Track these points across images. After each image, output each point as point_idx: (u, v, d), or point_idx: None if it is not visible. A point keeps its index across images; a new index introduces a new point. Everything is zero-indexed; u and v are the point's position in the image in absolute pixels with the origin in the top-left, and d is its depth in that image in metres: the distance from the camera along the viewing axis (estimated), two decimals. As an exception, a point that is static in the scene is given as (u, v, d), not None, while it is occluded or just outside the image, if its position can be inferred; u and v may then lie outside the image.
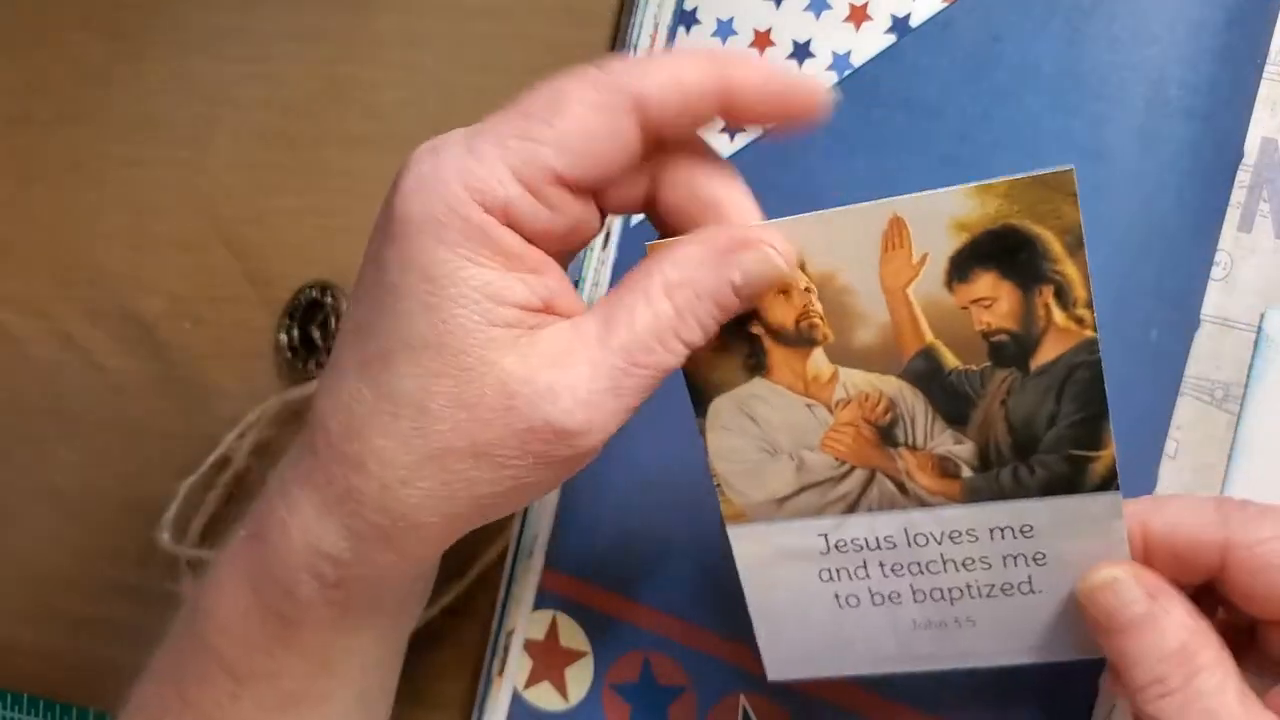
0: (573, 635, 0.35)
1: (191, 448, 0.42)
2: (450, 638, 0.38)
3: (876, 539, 0.24)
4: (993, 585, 0.24)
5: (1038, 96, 0.31)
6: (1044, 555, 0.24)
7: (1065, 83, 0.31)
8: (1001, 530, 0.23)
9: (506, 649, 0.36)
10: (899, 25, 0.33)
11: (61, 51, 0.45)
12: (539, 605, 0.36)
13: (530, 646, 0.36)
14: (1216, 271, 0.31)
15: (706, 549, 0.32)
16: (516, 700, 0.36)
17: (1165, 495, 0.26)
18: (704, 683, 0.33)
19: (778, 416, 0.23)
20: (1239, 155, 0.31)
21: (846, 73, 0.33)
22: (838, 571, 0.25)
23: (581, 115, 0.23)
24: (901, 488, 0.23)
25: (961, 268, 0.21)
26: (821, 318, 0.22)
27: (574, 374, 0.23)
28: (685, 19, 0.35)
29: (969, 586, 0.24)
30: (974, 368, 0.22)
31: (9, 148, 0.45)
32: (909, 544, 0.24)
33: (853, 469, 0.23)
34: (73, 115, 0.45)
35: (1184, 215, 0.31)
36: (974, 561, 0.24)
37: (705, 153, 0.25)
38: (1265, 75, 0.31)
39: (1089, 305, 0.21)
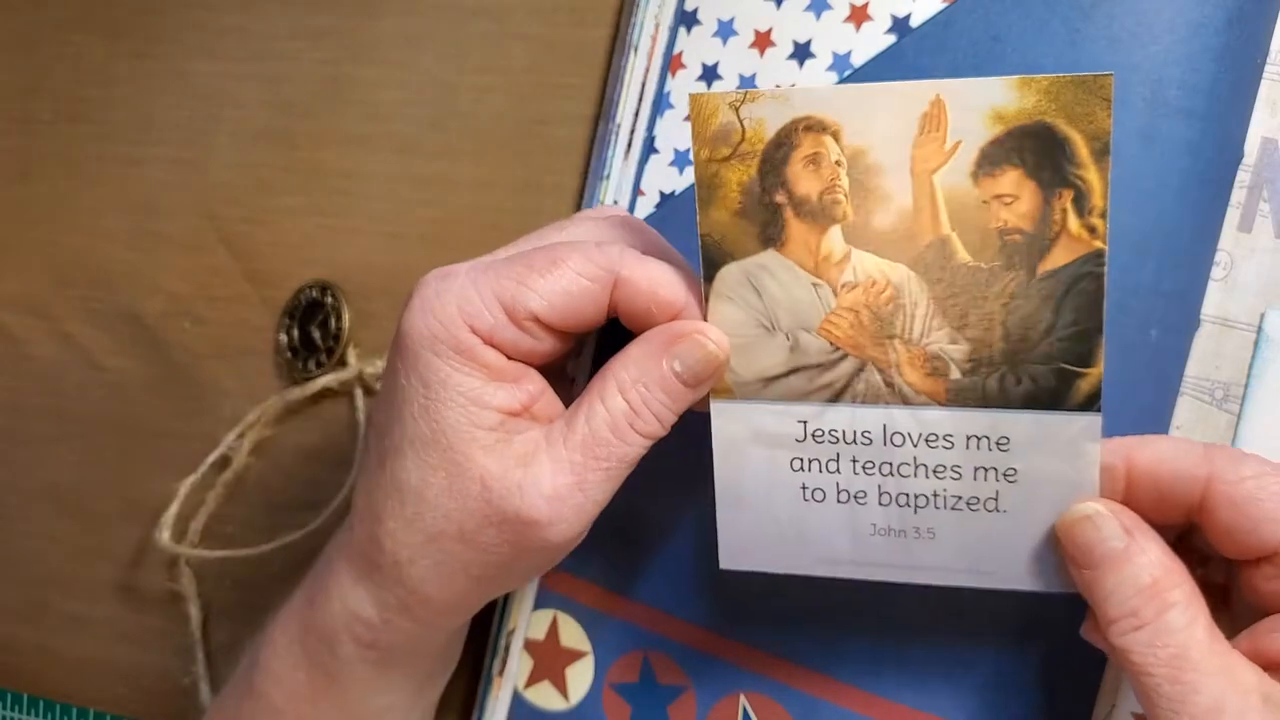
0: (573, 635, 0.35)
1: (191, 447, 0.42)
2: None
3: (854, 433, 0.24)
4: (959, 498, 0.24)
5: None
6: (1015, 472, 0.24)
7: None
8: (978, 439, 0.23)
9: (507, 648, 0.36)
10: (899, 25, 0.33)
11: (61, 51, 0.45)
12: (540, 605, 0.36)
13: (531, 646, 0.36)
14: (1216, 271, 0.31)
15: (708, 549, 0.32)
16: (517, 700, 0.36)
17: (1151, 435, 0.26)
18: (704, 682, 0.34)
19: (782, 292, 0.23)
20: (1239, 155, 0.31)
21: (847, 73, 0.33)
22: (809, 462, 0.25)
23: (570, 280, 0.27)
24: (889, 383, 0.23)
25: (991, 159, 0.21)
26: (845, 194, 0.22)
27: (538, 471, 0.27)
28: (686, 19, 0.35)
29: (935, 495, 0.24)
30: (983, 265, 0.21)
31: (9, 147, 0.45)
32: (885, 442, 0.24)
33: (844, 356, 0.23)
34: (73, 115, 0.45)
35: (1184, 215, 0.30)
36: (945, 469, 0.24)
37: (652, 262, 0.27)
38: (1265, 75, 0.31)
39: (1104, 215, 0.21)
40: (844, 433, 0.24)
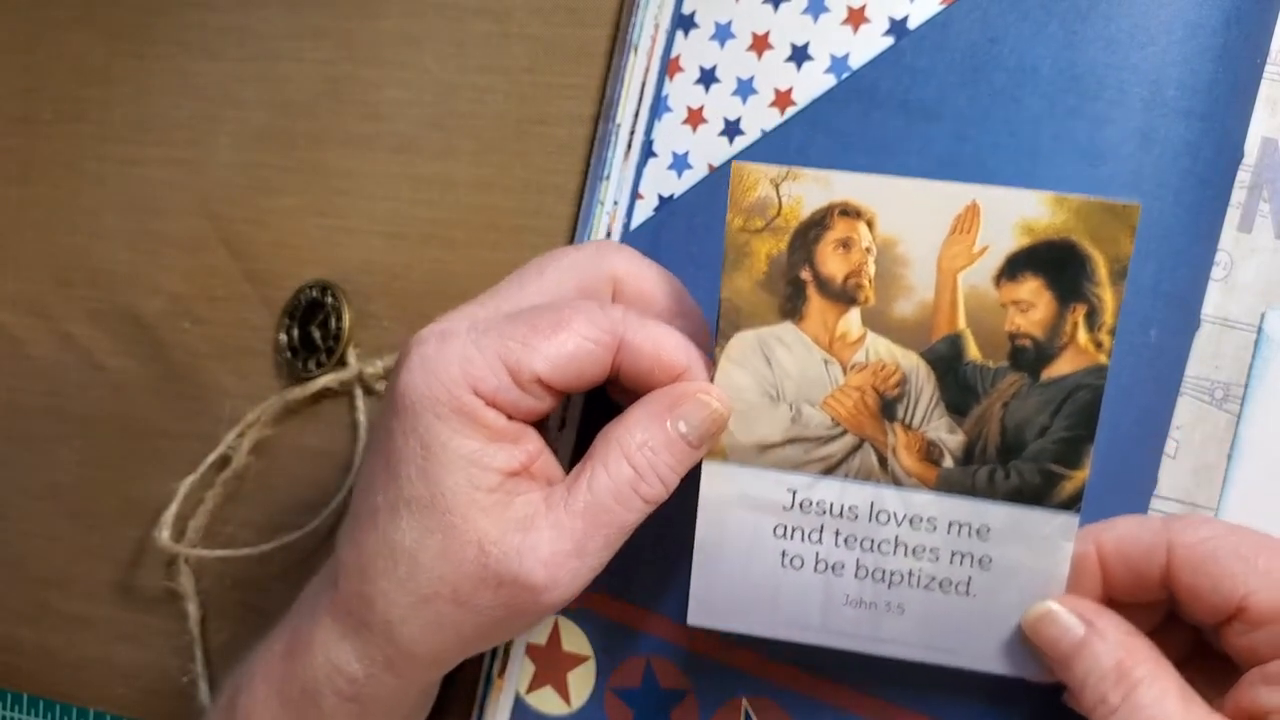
0: (575, 640, 0.35)
1: (191, 447, 0.42)
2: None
3: (841, 506, 0.25)
4: (934, 578, 0.25)
5: (1036, 98, 0.31)
6: (990, 560, 0.24)
7: (1063, 84, 0.31)
8: (960, 526, 0.24)
9: (508, 653, 0.36)
10: (897, 27, 0.33)
11: (61, 51, 0.45)
12: None
13: (532, 651, 0.36)
14: (1217, 272, 0.31)
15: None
16: (519, 704, 0.36)
17: (1116, 518, 0.27)
18: (706, 687, 0.33)
19: (793, 364, 0.23)
20: (1239, 155, 0.31)
21: (845, 75, 0.33)
22: (793, 530, 0.26)
23: (575, 343, 0.27)
24: (883, 462, 0.23)
25: (1015, 267, 0.22)
26: (870, 280, 0.22)
27: (537, 536, 0.26)
28: (684, 22, 0.35)
29: (911, 574, 0.25)
30: (990, 364, 0.22)
31: (9, 147, 0.45)
32: (870, 518, 0.24)
33: (844, 433, 0.24)
34: (73, 115, 0.45)
35: (1183, 215, 0.30)
36: (924, 550, 0.25)
37: (656, 324, 0.28)
38: (1265, 75, 0.31)
39: (1112, 333, 0.22)
40: (831, 505, 0.25)
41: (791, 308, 0.24)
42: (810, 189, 0.22)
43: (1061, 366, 0.22)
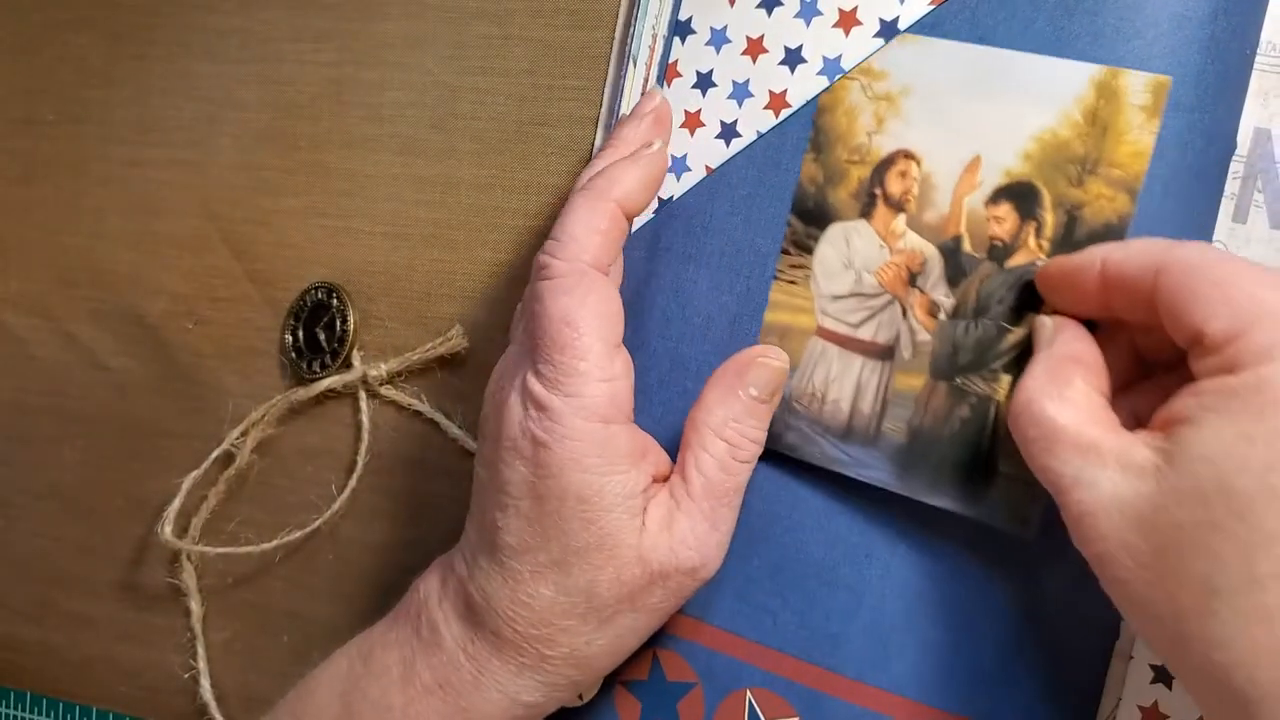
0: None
1: (193, 447, 0.42)
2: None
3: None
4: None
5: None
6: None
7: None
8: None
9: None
10: (887, 28, 0.33)
11: (64, 53, 0.45)
12: None
13: None
14: None
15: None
16: None
17: (1131, 239, 0.29)
18: (712, 679, 0.34)
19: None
20: (1231, 146, 0.31)
21: (837, 76, 0.34)
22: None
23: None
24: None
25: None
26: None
27: (679, 528, 0.30)
28: (680, 29, 0.35)
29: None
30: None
31: (12, 148, 0.46)
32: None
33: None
34: (75, 116, 0.45)
35: (1174, 207, 0.31)
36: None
37: None
38: (1256, 66, 0.31)
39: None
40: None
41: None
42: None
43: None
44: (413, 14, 0.40)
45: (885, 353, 0.33)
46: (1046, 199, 0.31)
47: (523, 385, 0.30)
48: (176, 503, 0.41)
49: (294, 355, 0.41)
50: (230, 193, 0.43)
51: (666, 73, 0.36)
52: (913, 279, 0.33)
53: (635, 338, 0.35)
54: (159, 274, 0.43)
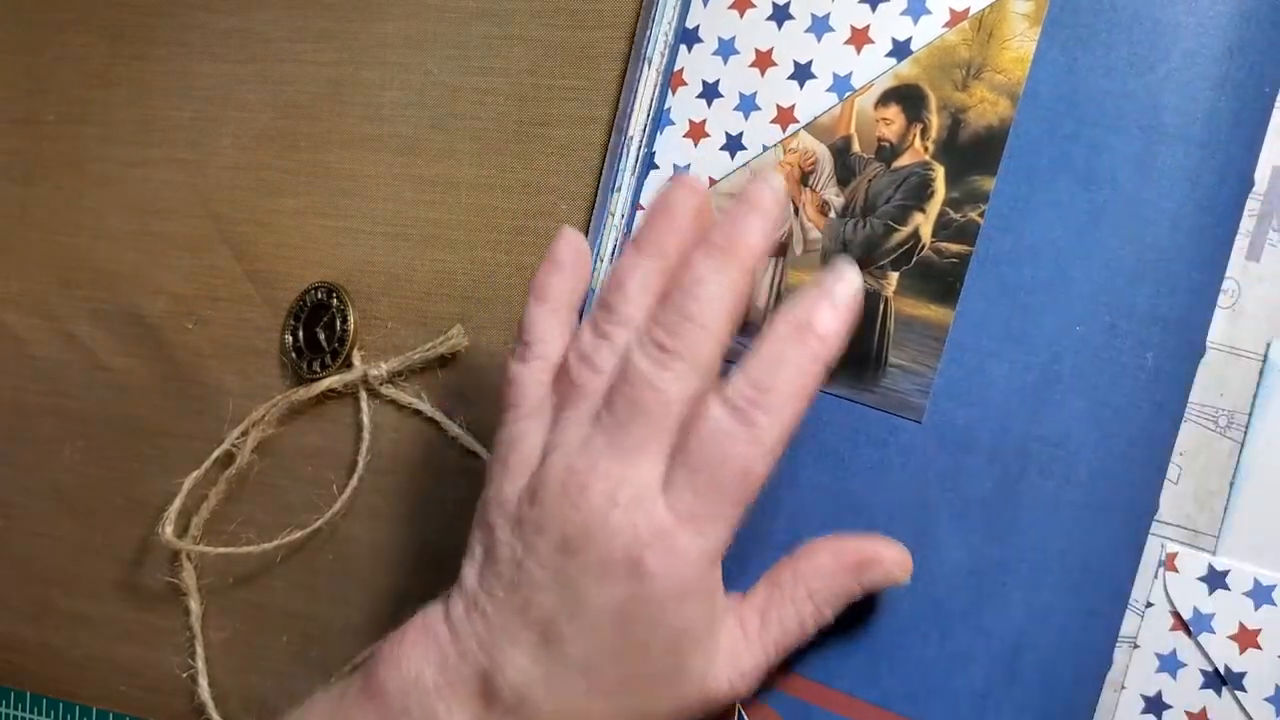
0: None
1: (193, 447, 0.42)
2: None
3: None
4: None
5: (1034, 122, 0.32)
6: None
7: (1061, 108, 0.31)
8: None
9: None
10: (900, 49, 0.33)
11: (64, 53, 0.45)
12: None
13: None
14: (1224, 299, 0.31)
15: None
16: None
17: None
18: None
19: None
20: (1247, 184, 0.31)
21: (846, 94, 0.34)
22: None
23: None
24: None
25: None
26: None
27: (744, 666, 0.29)
28: (688, 37, 0.35)
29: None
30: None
31: (13, 148, 0.46)
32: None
33: None
34: (75, 116, 0.45)
35: (1182, 241, 0.31)
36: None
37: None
38: (1278, 105, 0.31)
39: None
40: None
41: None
42: None
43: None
44: (413, 14, 0.40)
45: (779, 250, 0.34)
46: (933, 102, 0.33)
47: (644, 507, 0.27)
48: (177, 503, 0.41)
49: (294, 355, 0.41)
50: (230, 193, 0.43)
51: (672, 81, 0.36)
52: (804, 178, 0.34)
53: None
54: (159, 274, 0.43)
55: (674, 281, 0.29)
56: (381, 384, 0.40)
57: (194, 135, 0.43)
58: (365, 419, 0.40)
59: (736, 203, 0.29)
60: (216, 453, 0.41)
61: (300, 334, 0.41)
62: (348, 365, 0.40)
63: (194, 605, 0.42)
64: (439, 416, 0.39)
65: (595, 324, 0.30)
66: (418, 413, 0.40)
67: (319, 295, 0.41)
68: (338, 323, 0.40)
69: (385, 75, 0.41)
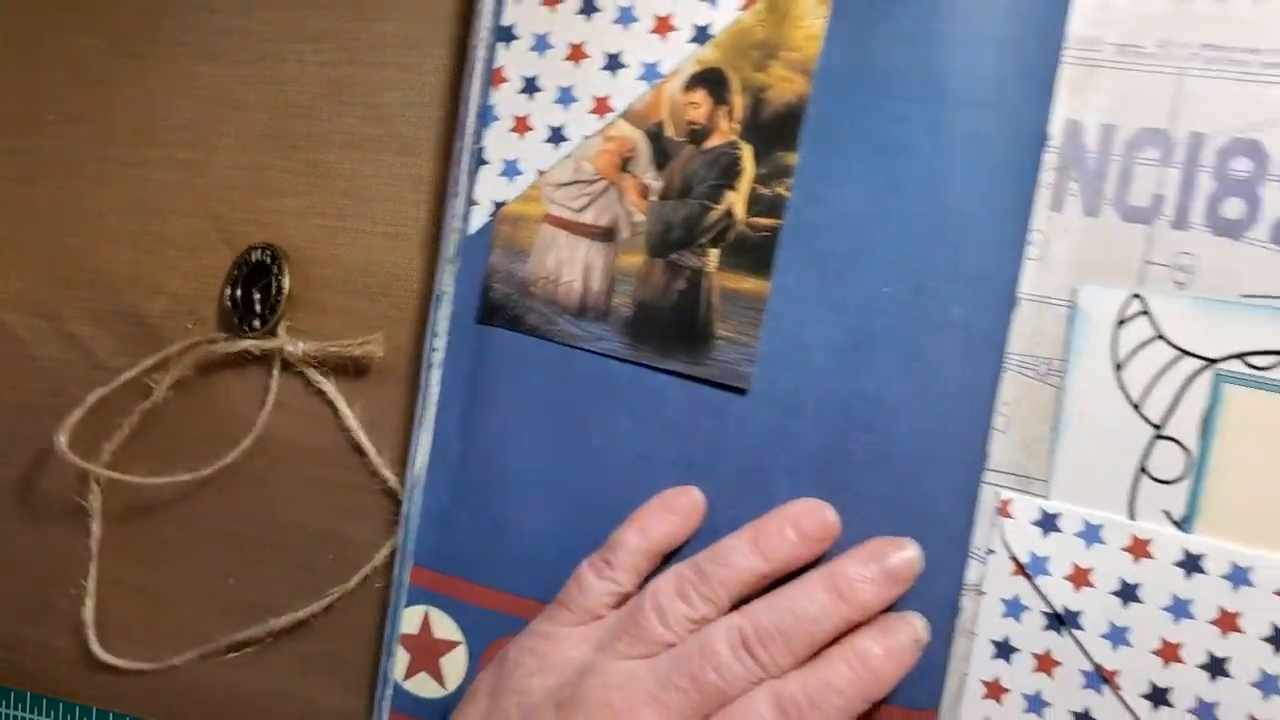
0: (445, 627, 0.37)
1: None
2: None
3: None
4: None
5: (830, 97, 0.33)
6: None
7: (854, 82, 0.33)
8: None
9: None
10: (700, 34, 0.34)
11: (64, 53, 0.45)
12: (411, 602, 0.37)
13: (406, 640, 0.37)
14: (1032, 251, 0.32)
15: (568, 535, 0.35)
16: (398, 691, 0.37)
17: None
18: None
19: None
20: (1042, 139, 0.32)
21: (656, 81, 0.35)
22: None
23: None
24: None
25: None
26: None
27: None
28: (504, 34, 0.36)
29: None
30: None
31: (12, 148, 0.46)
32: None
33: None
34: (75, 116, 0.45)
35: (980, 199, 0.32)
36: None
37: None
38: (1064, 59, 0.32)
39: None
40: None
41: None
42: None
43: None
44: (413, 13, 0.40)
45: (607, 234, 0.36)
46: (734, 83, 0.34)
47: None
48: (76, 415, 0.42)
49: (229, 306, 0.42)
50: (230, 193, 0.43)
51: (493, 77, 0.36)
52: (624, 164, 0.35)
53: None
54: (159, 274, 0.43)
55: (790, 595, 0.31)
56: (300, 364, 0.40)
57: (193, 135, 0.43)
58: (272, 385, 0.41)
59: (883, 567, 0.31)
60: (125, 376, 0.42)
61: (239, 292, 0.41)
62: (273, 334, 0.41)
63: (95, 528, 0.43)
64: (340, 403, 0.40)
65: (680, 582, 0.32)
66: (321, 393, 0.40)
67: (262, 255, 0.41)
68: (273, 286, 0.40)
69: (385, 75, 0.41)
